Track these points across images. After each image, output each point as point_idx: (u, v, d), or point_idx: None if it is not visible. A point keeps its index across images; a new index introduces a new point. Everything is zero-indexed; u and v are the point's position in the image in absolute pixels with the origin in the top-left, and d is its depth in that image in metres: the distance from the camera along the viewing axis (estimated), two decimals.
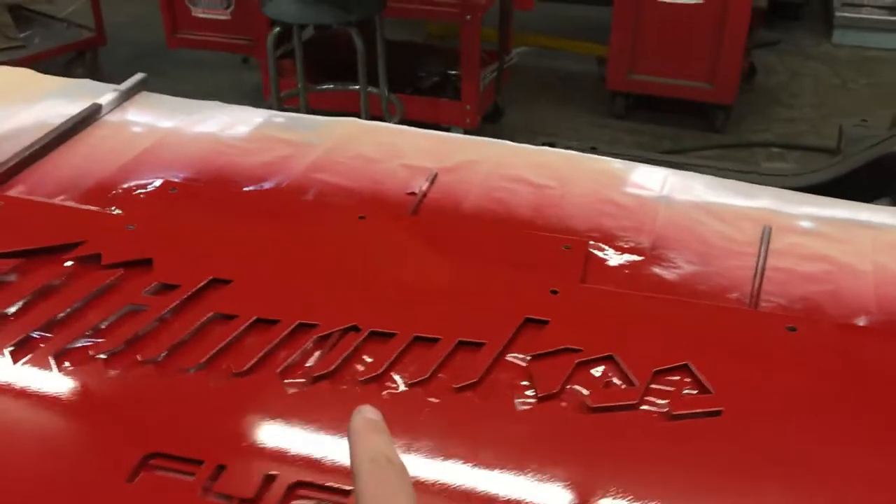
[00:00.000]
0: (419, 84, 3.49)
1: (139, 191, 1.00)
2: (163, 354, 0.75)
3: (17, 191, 1.00)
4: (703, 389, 0.71)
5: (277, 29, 2.61)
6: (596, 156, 1.10)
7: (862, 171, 2.39)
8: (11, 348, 0.74)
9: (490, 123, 3.77)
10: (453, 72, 3.55)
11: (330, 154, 1.09)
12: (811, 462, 0.65)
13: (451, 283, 0.86)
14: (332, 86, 3.04)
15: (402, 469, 0.43)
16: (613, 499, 0.62)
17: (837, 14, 4.82)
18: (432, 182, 1.02)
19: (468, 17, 3.07)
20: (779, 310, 0.82)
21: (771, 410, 0.69)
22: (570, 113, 4.03)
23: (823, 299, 0.83)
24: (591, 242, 0.91)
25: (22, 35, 3.88)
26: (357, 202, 1.00)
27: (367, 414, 0.46)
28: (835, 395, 0.71)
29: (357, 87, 2.99)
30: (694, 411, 0.69)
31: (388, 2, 2.58)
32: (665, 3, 3.49)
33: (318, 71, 3.29)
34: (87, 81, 1.28)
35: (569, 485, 0.64)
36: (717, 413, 0.69)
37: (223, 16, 3.45)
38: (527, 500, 0.62)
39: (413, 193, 1.01)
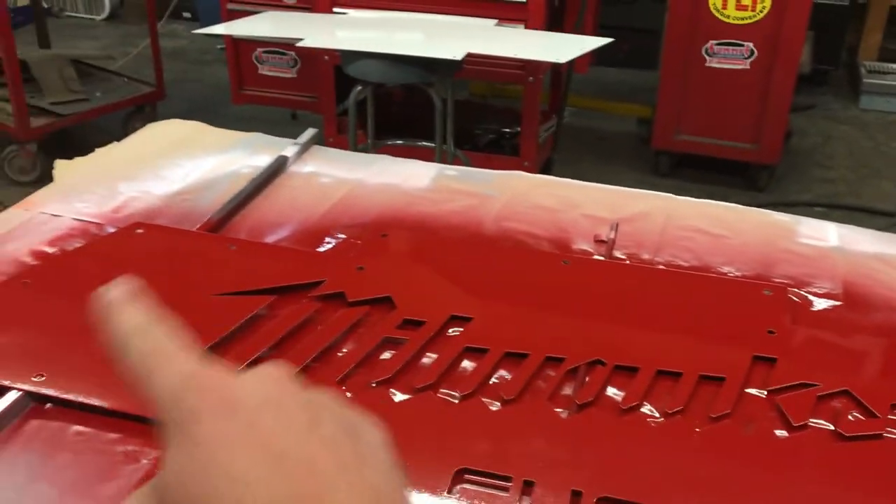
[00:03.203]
0: (476, 141, 3.60)
1: (349, 236, 1.08)
2: (430, 383, 0.81)
3: (236, 235, 1.08)
4: None
5: (359, 87, 2.72)
6: (756, 208, 1.18)
7: None
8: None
9: None
10: (507, 129, 3.66)
11: (511, 205, 1.17)
12: None
13: (670, 322, 0.93)
14: (401, 141, 3.15)
15: (167, 330, 0.38)
16: None
17: (865, 80, 4.98)
18: (616, 230, 1.10)
19: (531, 78, 3.19)
20: None
21: None
22: (614, 169, 4.14)
23: None
24: (789, 288, 0.98)
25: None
26: (550, 248, 1.07)
27: (116, 291, 0.39)
28: None
29: (423, 142, 3.09)
30: None
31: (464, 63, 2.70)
32: (712, 67, 3.63)
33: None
34: (260, 135, 1.37)
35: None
36: None
37: (289, 74, 3.58)
38: None
39: (602, 241, 1.08)
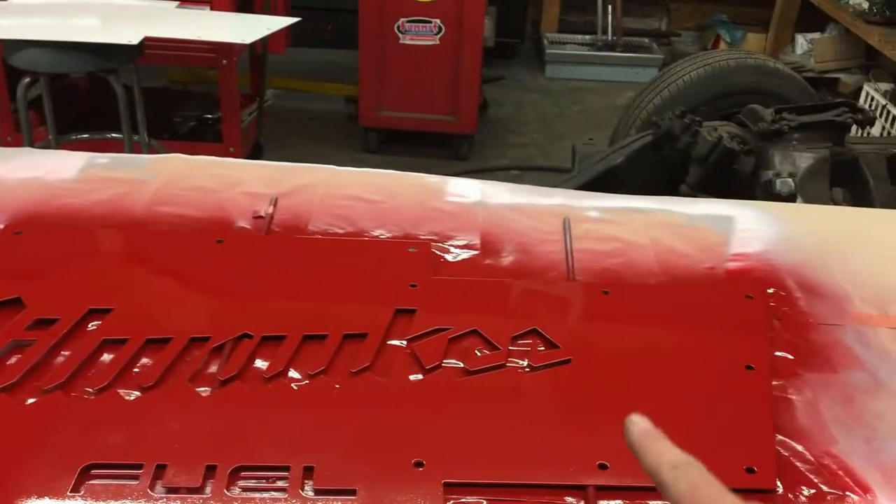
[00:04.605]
0: (176, 129, 3.45)
1: None
2: (59, 382, 0.77)
3: None
4: (552, 346, 0.88)
5: (28, 80, 2.48)
6: (413, 173, 1.25)
7: (593, 183, 2.77)
8: None
9: None
10: (209, 115, 3.55)
11: (167, 188, 1.13)
12: (642, 378, 0.84)
13: (321, 288, 0.96)
14: (87, 135, 2.93)
15: (703, 467, 0.46)
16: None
17: (548, 51, 5.45)
18: (275, 205, 1.11)
19: (224, 61, 3.11)
20: (591, 280, 1.01)
21: (605, 353, 0.88)
22: (326, 150, 4.18)
23: (621, 269, 1.03)
24: (433, 243, 1.05)
25: None
26: (209, 228, 1.06)
27: (639, 424, 0.48)
28: (645, 336, 0.91)
29: (113, 135, 2.91)
30: (549, 362, 0.85)
31: (144, 48, 2.56)
32: (405, 44, 3.77)
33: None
34: None
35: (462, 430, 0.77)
36: (568, 361, 0.85)
37: None
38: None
39: (260, 217, 1.09)
